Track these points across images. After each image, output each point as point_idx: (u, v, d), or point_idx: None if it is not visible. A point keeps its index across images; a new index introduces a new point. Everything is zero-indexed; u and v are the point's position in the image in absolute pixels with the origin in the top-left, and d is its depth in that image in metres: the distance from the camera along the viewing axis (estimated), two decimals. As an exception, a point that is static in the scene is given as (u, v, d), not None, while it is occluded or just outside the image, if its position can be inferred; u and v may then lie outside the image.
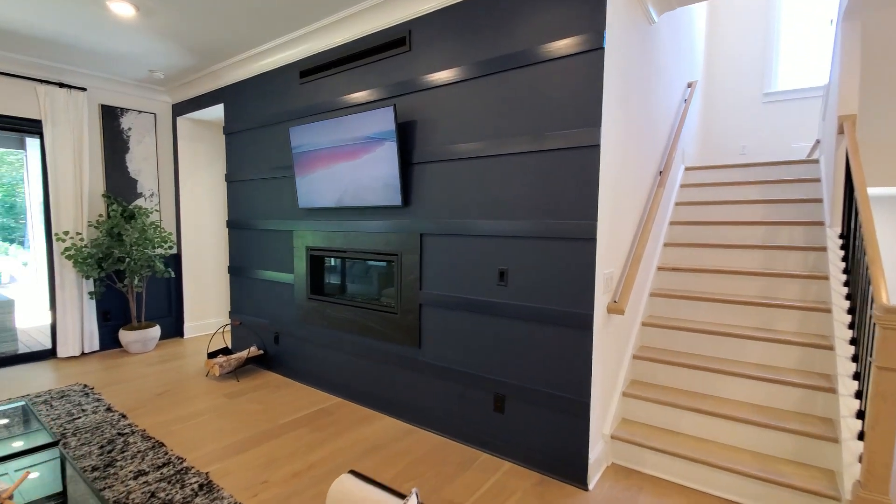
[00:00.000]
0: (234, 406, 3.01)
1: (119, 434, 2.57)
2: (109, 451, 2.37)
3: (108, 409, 2.90)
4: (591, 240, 2.03)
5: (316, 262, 3.36)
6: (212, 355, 3.66)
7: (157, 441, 2.49)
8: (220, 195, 5.00)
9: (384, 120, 2.63)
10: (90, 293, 3.97)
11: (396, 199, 2.69)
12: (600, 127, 1.98)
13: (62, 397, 3.10)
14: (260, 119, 3.62)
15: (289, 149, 3.41)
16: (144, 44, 3.35)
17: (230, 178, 3.98)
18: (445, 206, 2.54)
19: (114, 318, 4.34)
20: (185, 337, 4.75)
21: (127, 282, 4.02)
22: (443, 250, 2.57)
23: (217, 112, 4.30)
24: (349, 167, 2.89)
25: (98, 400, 3.06)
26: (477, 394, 2.48)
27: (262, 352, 3.73)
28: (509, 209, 2.29)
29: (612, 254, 2.25)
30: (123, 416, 2.80)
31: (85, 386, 3.31)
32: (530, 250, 2.22)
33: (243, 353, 3.58)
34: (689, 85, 4.13)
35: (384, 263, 3.04)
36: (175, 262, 4.71)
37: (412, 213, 2.70)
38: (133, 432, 2.59)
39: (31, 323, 5.23)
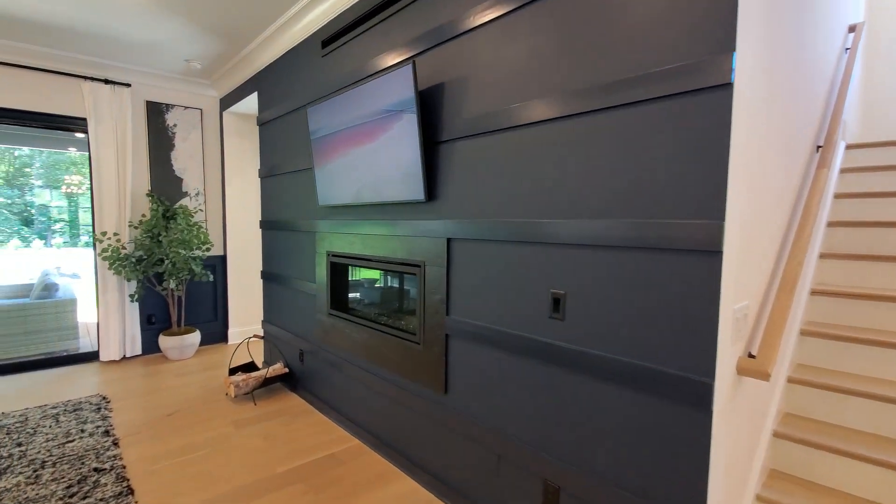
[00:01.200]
0: (236, 439, 2.54)
1: (96, 470, 2.19)
2: (72, 496, 1.98)
3: (106, 433, 2.58)
4: (714, 253, 1.17)
5: (336, 270, 2.80)
6: (233, 371, 3.28)
7: (129, 486, 2.06)
8: (267, 194, 4.71)
9: (401, 85, 1.96)
10: (130, 296, 3.83)
11: (419, 193, 2.01)
12: (734, 53, 1.11)
13: (74, 411, 2.87)
14: (287, 104, 3.16)
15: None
16: (165, 27, 3.04)
17: (262, 174, 3.60)
18: (478, 199, 1.80)
19: (158, 321, 4.20)
20: (228, 343, 4.52)
21: (166, 285, 3.82)
22: (475, 262, 1.83)
23: (256, 103, 3.96)
24: (366, 153, 2.27)
25: (105, 418, 2.77)
26: (519, 474, 1.70)
27: (286, 370, 3.27)
28: (570, 202, 1.49)
29: (748, 276, 1.35)
30: (115, 444, 2.45)
31: (103, 398, 3.08)
32: (603, 266, 1.40)
33: (262, 372, 3.14)
34: (852, 29, 2.92)
35: (407, 277, 2.38)
36: (221, 263, 4.49)
37: (438, 211, 2.00)
38: (112, 468, 2.21)
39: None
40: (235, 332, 4.55)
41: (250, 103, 4.00)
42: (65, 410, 2.88)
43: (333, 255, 2.74)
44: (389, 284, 2.59)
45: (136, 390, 3.24)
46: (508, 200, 1.68)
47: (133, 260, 3.79)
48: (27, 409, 2.91)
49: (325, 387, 2.92)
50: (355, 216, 2.55)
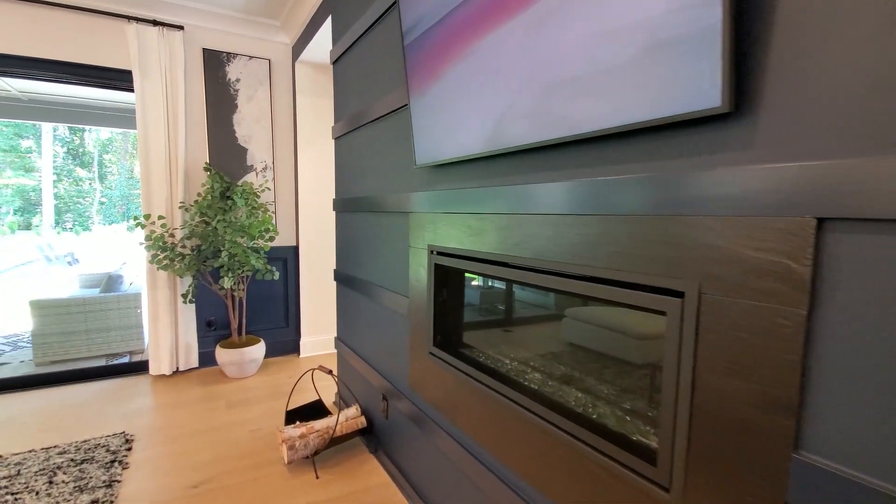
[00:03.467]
0: (276, 565, 1.48)
1: None
2: None
3: (97, 520, 1.68)
4: None
5: (446, 279, 1.60)
6: (291, 416, 2.28)
7: None
8: (348, 168, 3.72)
9: None
10: (183, 295, 3.04)
11: (712, 95, 0.70)
12: None
13: (82, 462, 2.05)
14: (368, 15, 2.02)
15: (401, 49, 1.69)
16: None
17: (336, 133, 2.54)
18: None
19: (220, 327, 3.41)
20: (301, 355, 3.63)
21: (222, 283, 2.97)
22: None
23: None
24: (525, 26, 1.02)
25: (111, 482, 1.90)
26: None
27: (363, 418, 2.19)
28: None
29: None
30: (96, 552, 1.53)
31: (126, 440, 2.25)
32: None
33: (328, 424, 2.07)
34: None
35: (638, 317, 1.09)
36: (293, 256, 3.60)
37: (772, 139, 0.68)
38: None
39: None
40: (309, 343, 3.64)
41: (325, 43, 2.97)
42: (72, 460, 2.07)
43: (440, 253, 1.55)
44: (575, 326, 1.33)
45: (170, 430, 2.39)
46: None
47: (184, 251, 2.99)
48: (32, 451, 2.15)
49: (419, 467, 1.78)
50: (485, 178, 1.32)
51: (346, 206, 2.40)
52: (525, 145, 1.09)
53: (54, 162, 16.68)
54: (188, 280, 3.12)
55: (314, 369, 2.24)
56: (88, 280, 5.04)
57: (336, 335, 2.76)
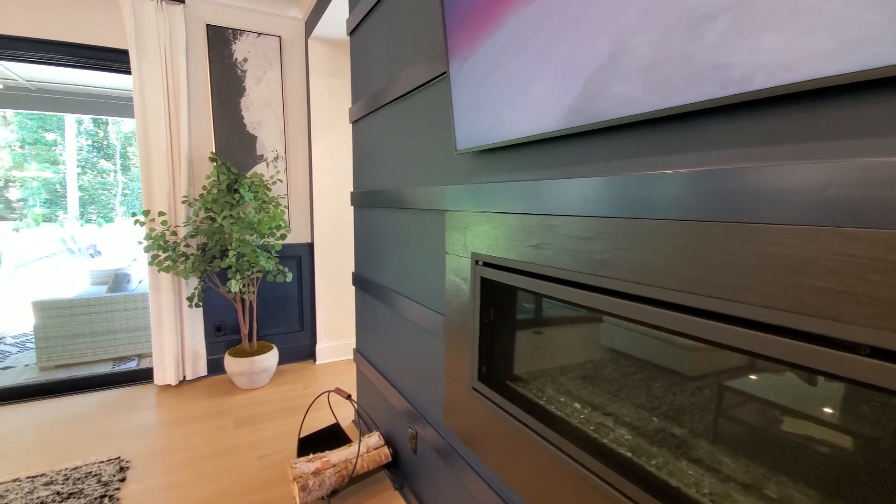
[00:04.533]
0: None
1: None
2: None
3: (73, 580, 1.41)
4: None
5: (493, 295, 1.26)
6: (304, 444, 1.98)
7: None
8: (366, 157, 3.38)
9: None
10: (188, 299, 2.77)
11: None
12: None
13: (68, 497, 1.80)
14: (390, -32, 1.66)
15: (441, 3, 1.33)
16: None
17: (354, 115, 2.20)
18: None
19: (230, 332, 3.14)
20: (317, 362, 3.35)
21: (230, 286, 2.68)
22: None
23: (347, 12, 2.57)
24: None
25: (97, 526, 1.64)
26: None
27: (386, 448, 1.88)
28: None
29: None
30: None
31: (121, 468, 1.99)
32: None
33: (349, 455, 1.76)
34: None
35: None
36: (308, 254, 3.30)
37: None
38: None
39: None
40: (326, 349, 3.36)
41: (340, 15, 2.62)
42: (58, 493, 1.81)
43: (487, 265, 1.20)
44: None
45: (170, 454, 2.12)
46: None
47: (188, 250, 2.72)
48: (16, 481, 1.90)
49: (459, 522, 1.45)
50: (559, 167, 0.97)
51: (366, 200, 2.06)
52: (638, 115, 0.72)
53: (78, 154, 16.80)
54: (194, 282, 2.85)
55: (330, 391, 1.93)
56: (98, 277, 4.85)
57: (355, 346, 2.44)
